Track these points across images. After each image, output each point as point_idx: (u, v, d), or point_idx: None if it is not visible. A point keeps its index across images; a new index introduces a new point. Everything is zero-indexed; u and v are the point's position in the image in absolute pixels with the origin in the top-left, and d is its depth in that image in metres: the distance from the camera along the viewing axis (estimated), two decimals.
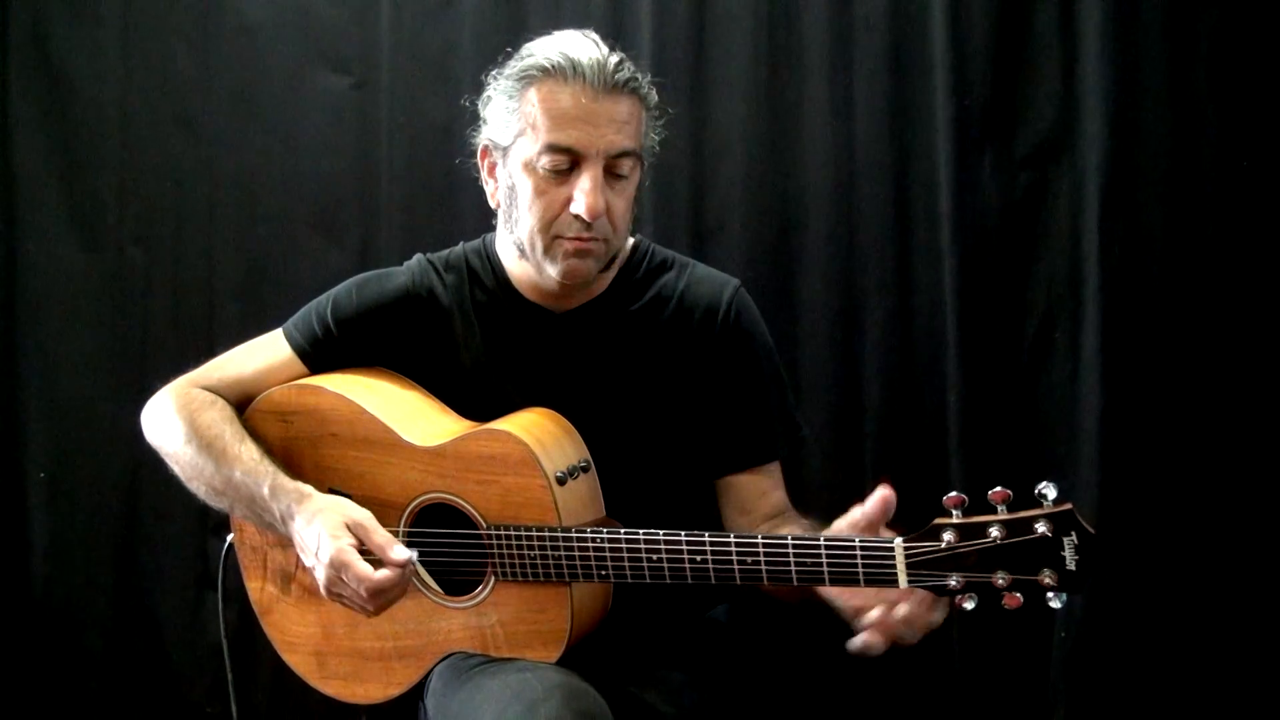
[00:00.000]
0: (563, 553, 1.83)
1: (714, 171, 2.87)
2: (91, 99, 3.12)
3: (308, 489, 1.93)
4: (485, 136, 2.03)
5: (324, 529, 1.84)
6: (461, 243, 2.18)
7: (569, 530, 1.83)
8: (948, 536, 1.61)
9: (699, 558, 1.76)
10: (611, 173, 1.93)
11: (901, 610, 1.69)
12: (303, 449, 2.04)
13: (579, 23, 2.06)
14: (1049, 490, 1.56)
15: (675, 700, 1.96)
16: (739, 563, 1.74)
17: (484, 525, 1.89)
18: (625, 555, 1.80)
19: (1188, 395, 2.61)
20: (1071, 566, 1.56)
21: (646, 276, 2.10)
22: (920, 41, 2.74)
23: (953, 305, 2.71)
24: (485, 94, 2.03)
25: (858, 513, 1.70)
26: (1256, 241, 2.58)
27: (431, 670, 1.99)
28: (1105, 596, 2.63)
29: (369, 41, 3.03)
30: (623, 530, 1.80)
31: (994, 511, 1.60)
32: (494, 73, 2.02)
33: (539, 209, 1.93)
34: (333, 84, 3.06)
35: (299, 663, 2.12)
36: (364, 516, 1.87)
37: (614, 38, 2.55)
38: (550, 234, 1.93)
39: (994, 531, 1.58)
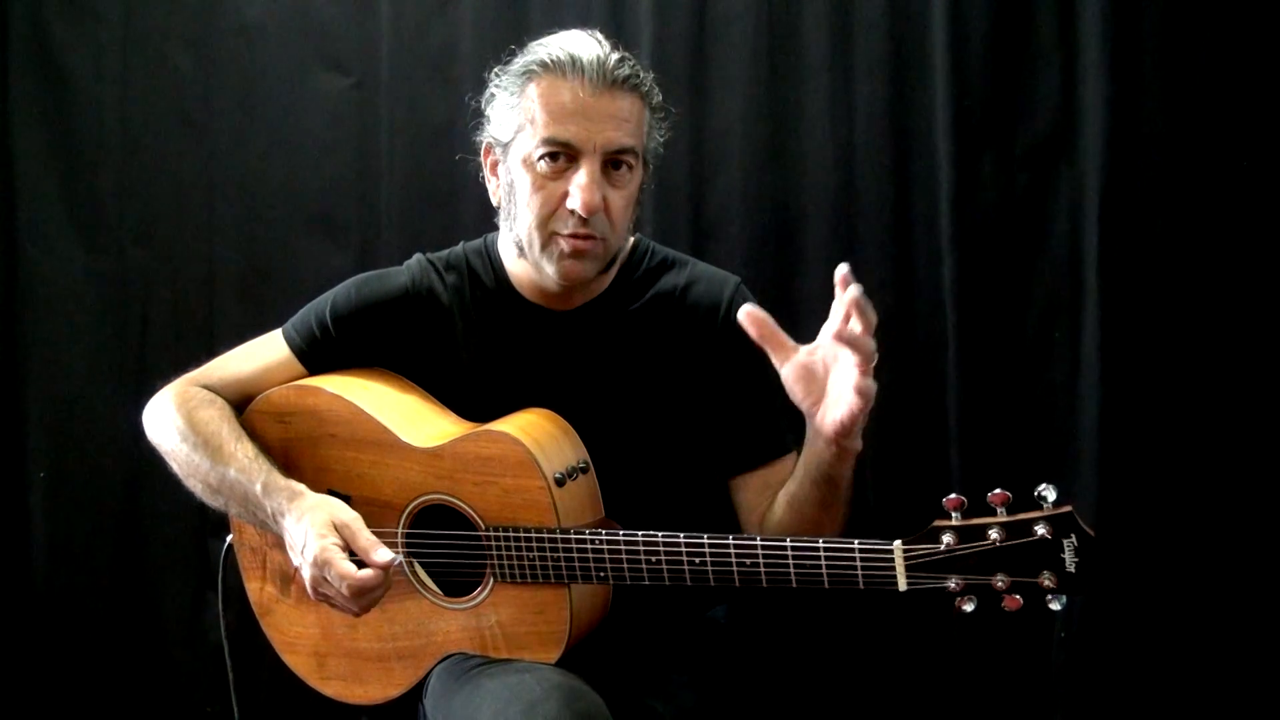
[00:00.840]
0: (561, 554, 1.83)
1: (714, 171, 2.87)
2: (91, 99, 3.12)
3: (300, 487, 1.94)
4: (488, 134, 2.03)
5: (311, 528, 1.84)
6: (462, 242, 2.18)
7: (568, 531, 1.83)
8: (947, 539, 1.61)
9: (698, 559, 1.76)
10: (610, 169, 1.93)
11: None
12: (301, 450, 2.04)
13: (580, 22, 2.06)
14: (1049, 492, 1.56)
15: (675, 701, 1.97)
16: (738, 565, 1.74)
17: (482, 526, 1.89)
18: (624, 557, 1.80)
19: (1187, 395, 2.61)
20: (1071, 569, 1.56)
21: (647, 276, 2.10)
22: (920, 41, 2.74)
23: (953, 305, 2.71)
24: (488, 91, 2.03)
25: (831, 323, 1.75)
26: (1256, 241, 2.57)
27: (430, 671, 2.00)
28: (1104, 597, 2.63)
29: (369, 41, 3.03)
30: (621, 532, 1.80)
31: (994, 514, 1.60)
32: (497, 70, 2.02)
33: (536, 204, 1.93)
34: (333, 84, 3.05)
35: (298, 663, 2.13)
36: (351, 518, 1.87)
37: (614, 38, 2.57)
38: (547, 230, 1.93)
39: (993, 534, 1.59)
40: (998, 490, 1.60)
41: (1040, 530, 1.56)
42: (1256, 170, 2.57)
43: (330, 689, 2.10)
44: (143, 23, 3.11)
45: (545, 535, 1.84)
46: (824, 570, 1.68)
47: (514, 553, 1.86)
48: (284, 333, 2.15)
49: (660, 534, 1.78)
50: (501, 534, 1.87)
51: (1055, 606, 1.59)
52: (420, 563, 1.98)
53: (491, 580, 1.91)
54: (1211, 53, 2.59)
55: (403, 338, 2.09)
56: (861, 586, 1.67)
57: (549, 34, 2.00)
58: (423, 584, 1.97)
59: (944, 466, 2.74)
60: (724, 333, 2.05)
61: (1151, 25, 2.61)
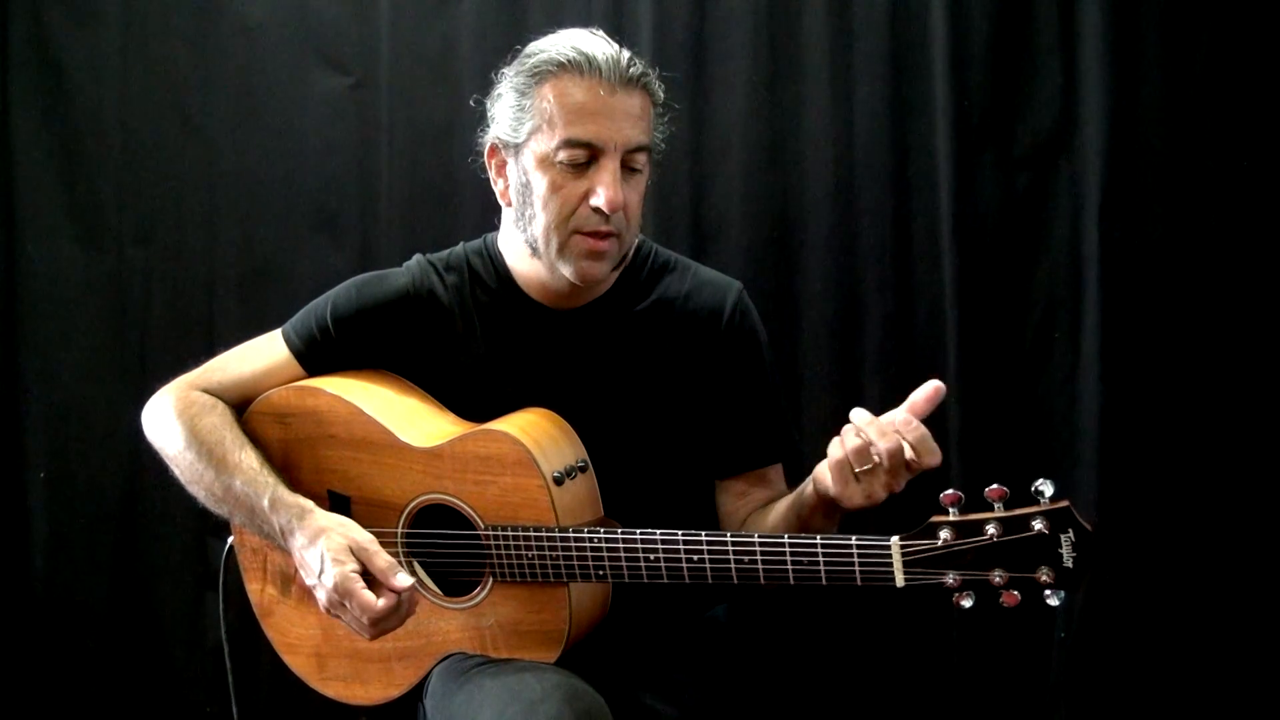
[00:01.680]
0: (560, 553, 1.83)
1: (714, 171, 2.87)
2: (91, 99, 3.12)
3: (308, 504, 1.93)
4: (493, 135, 2.02)
5: (328, 552, 1.83)
6: (462, 243, 2.17)
7: (566, 530, 1.83)
8: (944, 534, 1.61)
9: (696, 557, 1.76)
10: (627, 167, 1.92)
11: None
12: (301, 451, 2.04)
13: (579, 22, 2.06)
14: (1046, 487, 1.56)
15: (675, 700, 1.96)
16: (736, 562, 1.74)
17: (482, 526, 1.89)
18: (623, 555, 1.80)
19: (1187, 395, 2.61)
20: (1069, 564, 1.56)
21: (650, 277, 2.10)
22: (920, 41, 2.74)
23: (953, 305, 2.71)
24: (494, 91, 2.02)
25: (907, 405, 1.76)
26: (1256, 241, 2.58)
27: (431, 671, 2.00)
28: (1104, 596, 2.63)
29: (368, 41, 3.03)
30: (620, 530, 1.80)
31: (991, 509, 1.60)
32: (502, 70, 2.01)
33: (556, 204, 1.92)
34: (333, 84, 3.05)
35: (299, 664, 2.13)
36: (367, 540, 1.85)
37: (614, 38, 2.57)
38: (568, 229, 1.92)
39: (991, 529, 1.59)
40: (995, 485, 1.60)
41: (1038, 525, 1.56)
42: (1256, 170, 2.57)
43: (331, 690, 2.10)
44: (143, 23, 3.11)
45: (544, 534, 1.83)
46: (821, 567, 1.68)
47: (513, 552, 1.86)
48: (283, 334, 2.14)
49: (659, 532, 1.78)
50: (500, 533, 1.86)
51: (1053, 602, 1.59)
52: (420, 562, 1.98)
53: (491, 580, 1.91)
54: (1211, 53, 2.59)
55: (403, 339, 2.09)
56: (859, 583, 1.67)
57: (548, 33, 2.00)
58: (422, 584, 1.97)
59: (943, 465, 2.72)
60: (725, 338, 2.06)
61: (1151, 25, 2.62)
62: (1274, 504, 2.57)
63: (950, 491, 1.62)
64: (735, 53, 2.85)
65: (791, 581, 1.71)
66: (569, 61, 1.90)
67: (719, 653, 2.12)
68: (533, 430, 1.89)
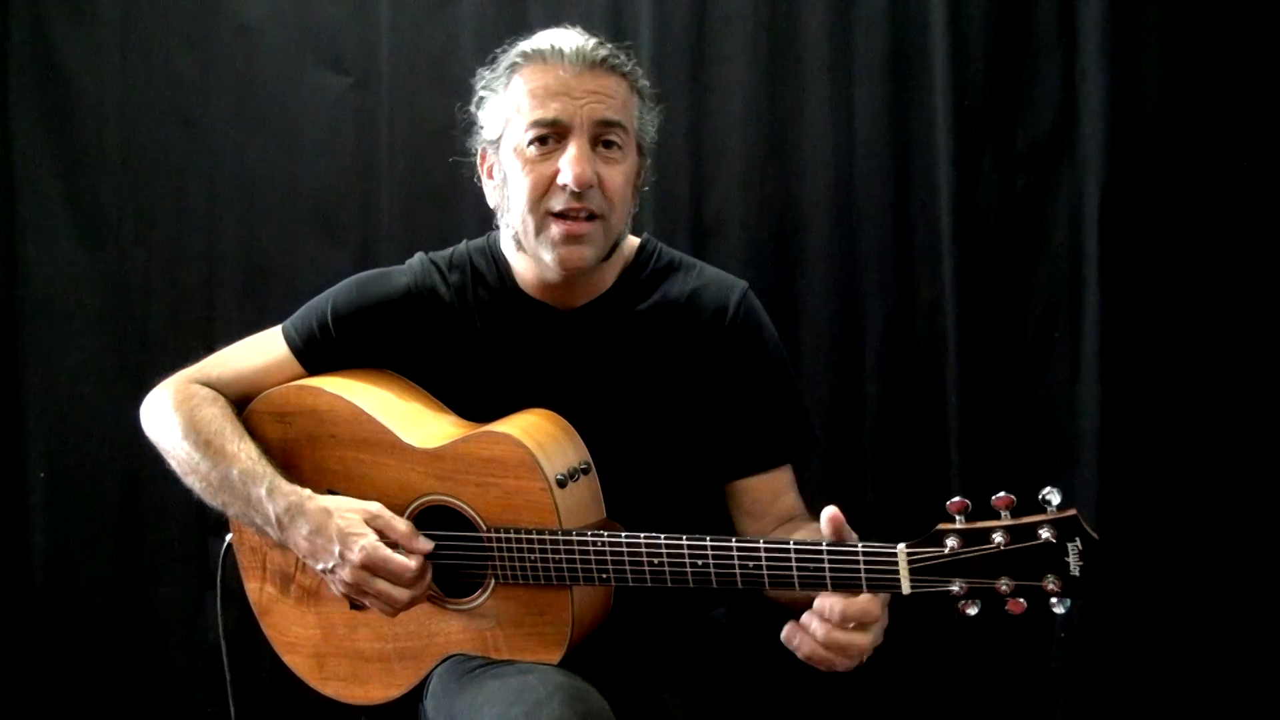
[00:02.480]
0: (563, 555, 1.83)
1: (714, 171, 2.87)
2: (91, 99, 3.12)
3: (306, 491, 1.93)
4: (481, 139, 2.03)
5: (345, 529, 1.84)
6: (465, 241, 2.17)
7: (569, 533, 1.83)
8: (951, 542, 1.61)
9: (700, 561, 1.76)
10: (601, 144, 1.92)
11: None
12: (301, 450, 2.04)
13: (580, 23, 2.06)
14: (1053, 496, 1.56)
15: (676, 701, 1.96)
16: (740, 567, 1.73)
17: (484, 528, 1.89)
18: (626, 558, 1.79)
19: (1187, 395, 2.61)
20: (1075, 572, 1.56)
21: (653, 277, 2.09)
22: (920, 41, 2.74)
23: (953, 305, 2.72)
24: (476, 96, 2.04)
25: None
26: (1256, 241, 2.58)
27: (431, 672, 2.00)
28: (1104, 597, 2.63)
29: (368, 41, 3.03)
30: (624, 533, 1.80)
31: (998, 517, 1.60)
32: (481, 72, 2.04)
33: (528, 186, 1.92)
34: (333, 84, 3.06)
35: (298, 664, 2.12)
36: (378, 508, 1.88)
37: (614, 38, 2.56)
38: (540, 210, 1.92)
39: (997, 537, 1.58)
40: (1002, 494, 1.59)
41: (1045, 534, 1.56)
42: (1256, 170, 2.57)
43: (330, 689, 2.10)
44: (143, 23, 3.10)
45: (547, 536, 1.83)
46: (827, 574, 1.68)
47: (515, 554, 1.86)
48: (283, 331, 2.14)
49: (663, 536, 1.78)
50: (503, 535, 1.86)
51: (1059, 610, 1.59)
52: None
53: (493, 581, 1.91)
54: (1211, 52, 2.59)
55: (404, 338, 2.08)
56: (865, 589, 1.67)
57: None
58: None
59: (944, 466, 2.74)
60: (729, 337, 2.05)
61: (1151, 25, 2.62)
62: (1274, 504, 2.58)
63: (957, 499, 1.61)
64: (735, 53, 2.85)
65: (797, 587, 1.71)
66: (534, 51, 1.94)
67: (720, 655, 2.12)
68: (535, 432, 1.89)
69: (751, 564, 1.73)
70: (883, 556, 1.65)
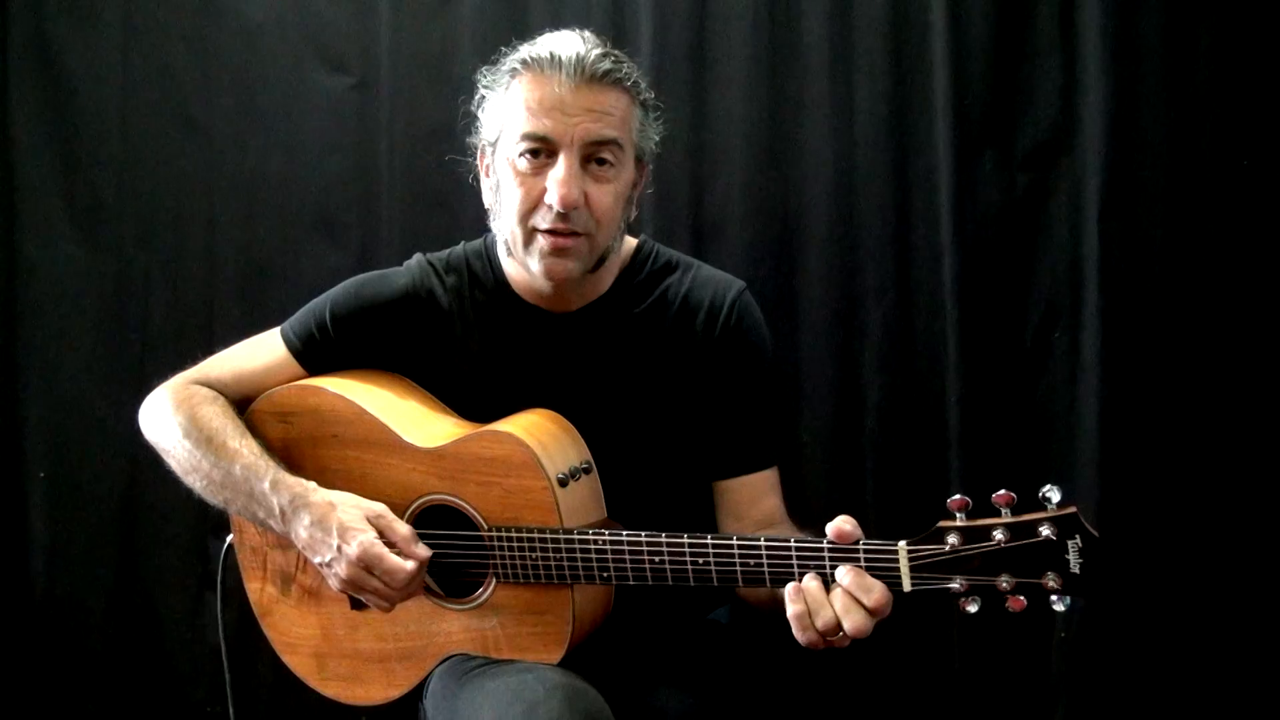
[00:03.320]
0: (564, 555, 1.84)
1: (714, 171, 2.86)
2: (91, 99, 3.11)
3: (310, 484, 1.94)
4: (481, 138, 2.03)
5: (346, 523, 1.85)
6: (462, 243, 2.17)
7: (570, 532, 1.83)
8: (951, 539, 1.61)
9: (701, 559, 1.76)
10: (593, 164, 1.92)
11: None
12: (303, 450, 2.04)
13: (579, 23, 2.06)
14: (1053, 494, 1.56)
15: (676, 701, 1.96)
16: (742, 564, 1.74)
17: (485, 527, 1.89)
18: (627, 557, 1.80)
19: (1188, 395, 2.61)
20: (1075, 570, 1.57)
21: (650, 278, 2.10)
22: (920, 41, 2.74)
23: (953, 305, 2.71)
24: (478, 95, 2.04)
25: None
26: (1256, 241, 2.57)
27: (431, 672, 2.00)
28: (1104, 596, 2.63)
29: (369, 41, 3.03)
30: (624, 532, 1.80)
31: (998, 514, 1.60)
32: (484, 71, 2.03)
33: (516, 200, 1.93)
34: (333, 84, 3.05)
35: (298, 664, 2.13)
36: (381, 509, 1.90)
37: (614, 38, 2.56)
38: (528, 226, 1.93)
39: (998, 534, 1.59)
40: (1002, 491, 1.59)
41: (1045, 531, 1.56)
42: (1256, 170, 2.57)
43: (330, 690, 2.11)
44: (143, 23, 3.10)
45: (548, 535, 1.84)
46: (828, 570, 1.68)
47: (516, 553, 1.86)
48: (282, 333, 2.15)
49: (664, 535, 1.78)
50: (504, 534, 1.87)
51: (1059, 608, 1.59)
52: None
53: (494, 581, 1.91)
54: (1211, 53, 2.59)
55: (402, 339, 2.09)
56: None
57: (541, 34, 2.01)
58: (425, 585, 1.97)
59: (944, 466, 2.74)
60: (723, 338, 2.05)
61: (1152, 25, 2.61)
62: (1274, 503, 2.57)
63: (958, 497, 1.61)
64: (735, 53, 2.84)
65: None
66: (534, 59, 1.92)
67: (721, 654, 2.12)
68: (537, 431, 1.89)
69: (753, 561, 1.73)
70: (883, 553, 1.66)
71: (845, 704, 2.80)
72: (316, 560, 1.90)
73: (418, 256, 2.15)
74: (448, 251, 2.16)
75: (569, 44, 1.93)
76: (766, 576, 1.73)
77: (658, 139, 2.05)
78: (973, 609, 1.63)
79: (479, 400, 2.05)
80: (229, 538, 2.20)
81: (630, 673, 1.98)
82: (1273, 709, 2.58)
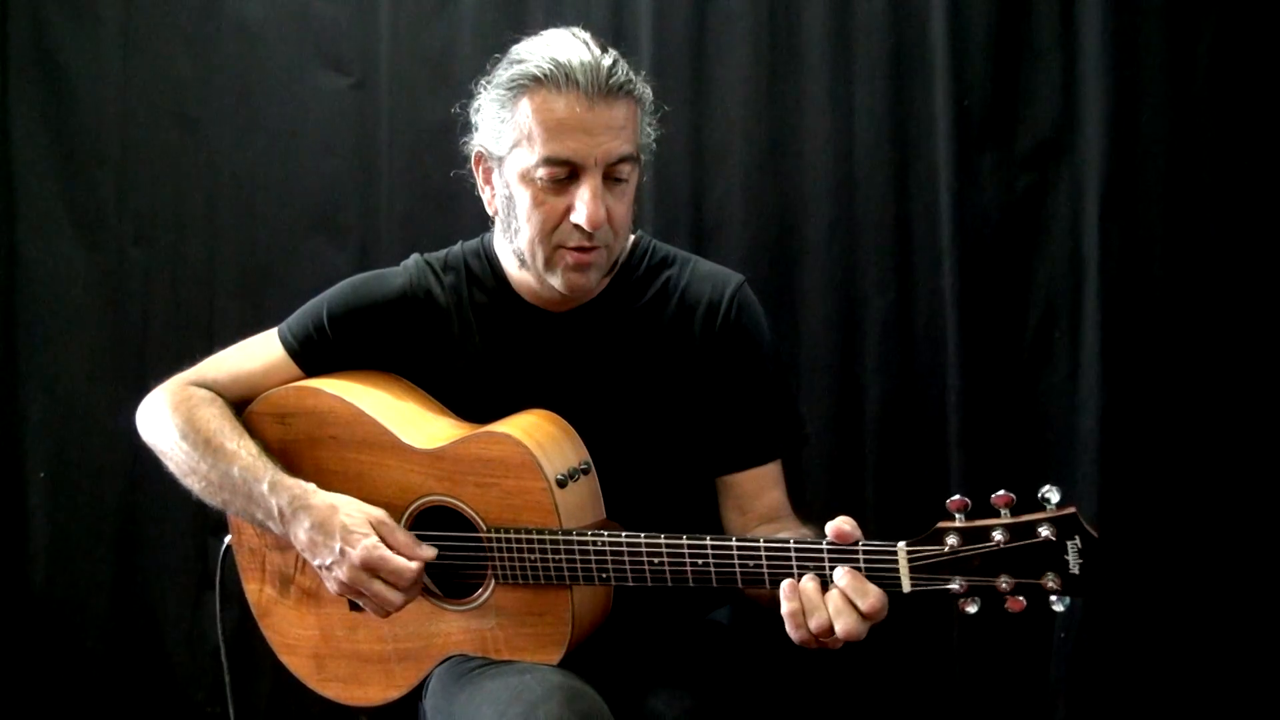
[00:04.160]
0: (563, 555, 1.83)
1: (714, 171, 2.87)
2: (91, 99, 3.12)
3: (310, 486, 1.93)
4: (478, 143, 2.00)
5: (350, 527, 1.85)
6: (460, 243, 2.17)
7: (569, 532, 1.83)
8: (951, 540, 1.61)
9: (700, 561, 1.76)
10: (611, 179, 1.90)
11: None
12: (301, 451, 2.04)
13: (580, 23, 2.04)
14: (1052, 494, 1.56)
15: (676, 702, 1.95)
16: (740, 566, 1.73)
17: (484, 528, 1.89)
18: (626, 558, 1.80)
19: (1188, 395, 2.61)
20: (1075, 570, 1.56)
21: (648, 274, 2.09)
22: (920, 42, 2.74)
23: (953, 305, 2.71)
24: (475, 102, 2.01)
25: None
26: (1256, 241, 2.58)
27: (431, 673, 2.00)
28: (1104, 597, 2.63)
29: (368, 41, 3.03)
30: (624, 533, 1.80)
31: (997, 515, 1.60)
32: (484, 80, 2.00)
33: (538, 220, 1.90)
34: (333, 84, 3.06)
35: (297, 665, 2.13)
36: (382, 515, 1.89)
37: (614, 38, 2.55)
38: (551, 244, 1.91)
39: (997, 535, 1.58)
40: (1001, 492, 1.59)
41: (1044, 532, 1.56)
42: (1256, 170, 2.57)
43: (330, 690, 2.10)
44: (143, 23, 3.11)
45: (547, 536, 1.83)
46: (828, 572, 1.68)
47: (515, 554, 1.86)
48: (279, 334, 2.14)
49: (663, 536, 1.78)
50: (503, 535, 1.86)
51: (1058, 608, 1.59)
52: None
53: (493, 582, 1.91)
54: (1212, 52, 2.59)
55: (400, 339, 2.08)
56: None
57: (533, 34, 1.98)
58: (424, 586, 1.97)
59: (944, 465, 2.74)
60: (723, 332, 2.04)
61: (1152, 24, 2.61)
62: (1274, 503, 2.57)
63: (957, 498, 1.61)
64: (735, 53, 2.85)
65: None
66: (546, 75, 1.86)
67: (720, 655, 2.12)
68: (536, 432, 1.89)
69: (752, 563, 1.73)
70: (883, 555, 1.65)
71: (845, 704, 2.80)
72: (316, 563, 1.90)
73: (415, 256, 2.14)
74: (445, 251, 2.16)
75: (574, 52, 1.88)
76: (766, 578, 1.72)
77: (654, 135, 2.05)
78: (972, 610, 1.62)
79: (477, 399, 2.04)
80: (227, 539, 2.19)
81: (629, 674, 1.97)
82: (1273, 709, 2.58)
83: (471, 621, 1.94)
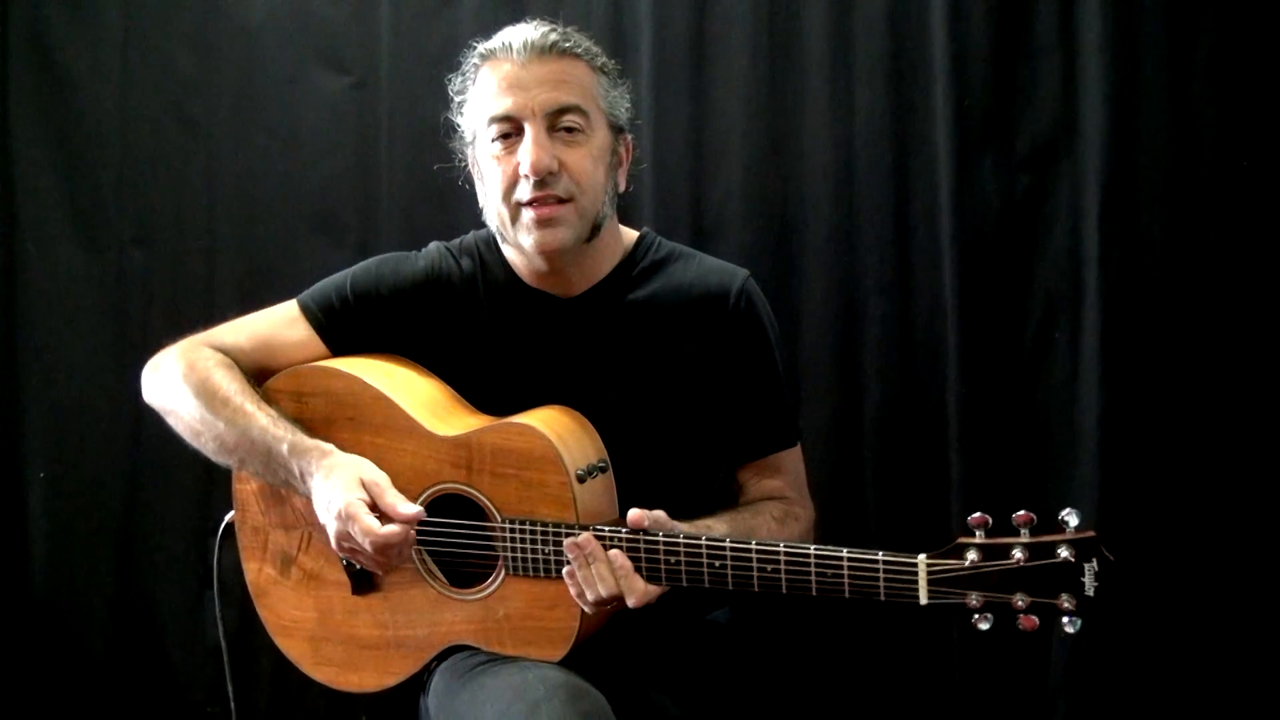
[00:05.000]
0: None
1: (714, 171, 2.87)
2: (91, 99, 3.12)
3: (328, 446, 1.95)
4: (464, 143, 2.08)
5: (339, 482, 1.87)
6: (473, 231, 2.19)
7: (586, 528, 1.83)
8: (971, 555, 1.62)
9: (719, 564, 1.76)
10: (562, 129, 1.95)
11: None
12: (317, 431, 2.02)
13: (579, 22, 2.08)
14: (1071, 517, 1.59)
15: (677, 702, 1.97)
16: (759, 571, 1.74)
17: (498, 518, 1.89)
18: (644, 558, 1.79)
19: (1188, 395, 2.62)
20: (1091, 592, 1.58)
21: (653, 265, 2.10)
22: (920, 42, 2.74)
23: (953, 305, 2.72)
24: (454, 103, 2.08)
25: None
26: (1256, 241, 2.58)
27: (432, 667, 2.00)
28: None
29: (368, 41, 3.04)
30: (643, 532, 1.79)
31: (1017, 534, 1.62)
32: (453, 79, 2.08)
33: (497, 180, 1.97)
34: (333, 84, 3.06)
35: (291, 647, 2.12)
36: (379, 475, 1.90)
37: (614, 38, 2.56)
38: (511, 202, 1.96)
39: (1017, 553, 1.60)
40: (1022, 511, 1.61)
41: (1064, 553, 1.58)
42: (1256, 170, 2.58)
43: (323, 675, 2.10)
44: (143, 23, 3.11)
45: (565, 530, 1.83)
46: (846, 581, 1.69)
47: (530, 546, 1.86)
48: (300, 303, 2.14)
49: (682, 537, 1.78)
50: (519, 527, 1.87)
51: (1070, 630, 1.61)
52: (428, 551, 1.98)
53: (503, 572, 1.91)
54: (1212, 53, 2.60)
55: (420, 321, 2.10)
56: (882, 598, 1.68)
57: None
58: (430, 573, 1.97)
59: (944, 466, 2.74)
60: (731, 324, 2.06)
61: (1151, 25, 2.62)
62: (1275, 503, 2.58)
63: (978, 515, 1.63)
64: (735, 53, 2.85)
65: (814, 593, 1.72)
66: (489, 51, 2.00)
67: (720, 655, 2.13)
68: (558, 426, 1.90)
69: (770, 568, 1.73)
70: (903, 566, 1.66)
71: (845, 705, 2.81)
72: (320, 520, 1.91)
73: (435, 243, 2.17)
74: (460, 239, 2.18)
75: (518, 29, 1.98)
76: (783, 583, 1.73)
77: (628, 106, 2.08)
78: (984, 626, 1.65)
79: (487, 384, 2.06)
80: (229, 515, 2.18)
81: (631, 673, 1.98)
82: (1273, 710, 2.59)
83: (478, 611, 1.94)
